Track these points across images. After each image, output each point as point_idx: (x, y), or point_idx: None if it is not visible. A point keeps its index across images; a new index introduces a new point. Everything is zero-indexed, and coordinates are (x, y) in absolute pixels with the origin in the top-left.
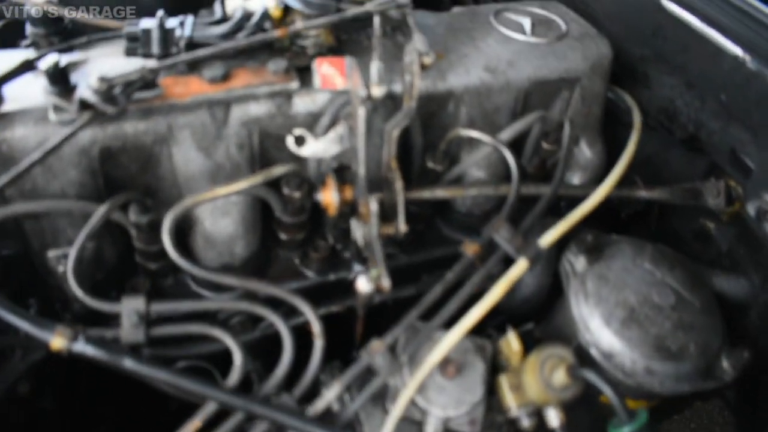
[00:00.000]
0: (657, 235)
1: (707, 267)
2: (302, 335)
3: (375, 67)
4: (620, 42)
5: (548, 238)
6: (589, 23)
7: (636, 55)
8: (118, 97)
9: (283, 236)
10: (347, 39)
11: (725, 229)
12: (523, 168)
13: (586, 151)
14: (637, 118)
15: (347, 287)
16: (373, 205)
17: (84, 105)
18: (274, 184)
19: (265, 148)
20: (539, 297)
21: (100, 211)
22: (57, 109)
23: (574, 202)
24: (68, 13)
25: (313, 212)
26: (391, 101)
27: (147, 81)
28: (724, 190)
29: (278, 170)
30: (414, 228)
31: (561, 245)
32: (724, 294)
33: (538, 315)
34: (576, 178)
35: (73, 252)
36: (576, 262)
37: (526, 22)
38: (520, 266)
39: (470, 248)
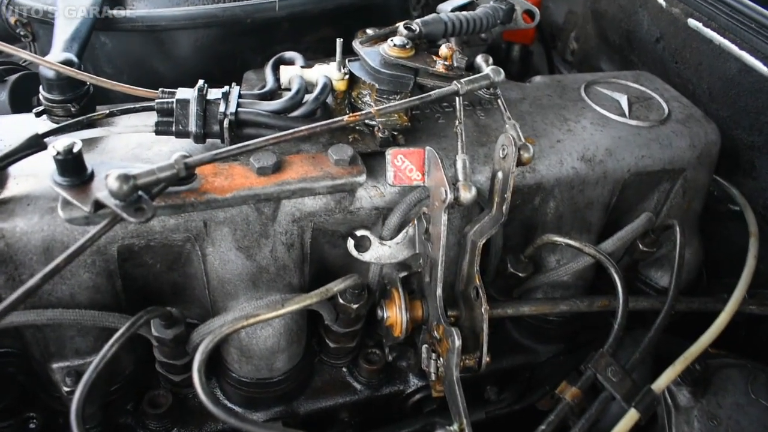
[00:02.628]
0: (747, 343)
1: None
2: None
3: (461, 163)
4: (725, 125)
5: (663, 380)
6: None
7: (743, 142)
8: (144, 201)
9: (331, 344)
10: (419, 115)
11: None
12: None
13: None
14: (753, 224)
15: (403, 401)
16: (456, 341)
17: (100, 206)
18: None
19: (317, 246)
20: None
21: (117, 334)
22: (67, 205)
23: None
24: (90, 78)
25: (369, 316)
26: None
27: (182, 177)
28: None
29: (337, 286)
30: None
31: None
32: None
33: None
34: (667, 280)
35: (79, 392)
36: (678, 394)
37: (623, 100)
38: (630, 419)
39: (569, 393)
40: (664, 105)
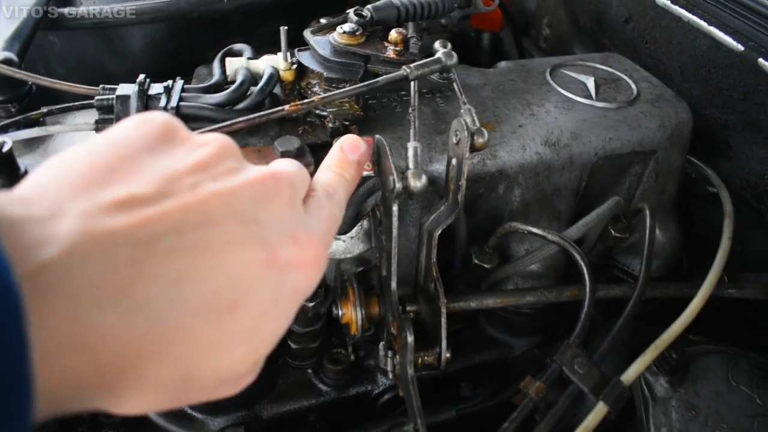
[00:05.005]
0: (734, 329)
1: None
2: None
3: (412, 150)
4: (698, 104)
5: (633, 370)
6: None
7: (717, 121)
8: None
9: (293, 345)
10: (375, 104)
11: None
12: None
13: (658, 235)
14: (728, 205)
15: (372, 402)
16: (409, 337)
17: None
18: None
19: None
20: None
21: None
22: None
23: None
24: (28, 76)
25: (329, 314)
26: (430, 185)
27: None
28: None
29: None
30: (452, 329)
31: None
32: None
33: None
34: None
35: None
36: (655, 384)
37: (590, 82)
38: (599, 412)
39: (534, 387)
40: (633, 86)
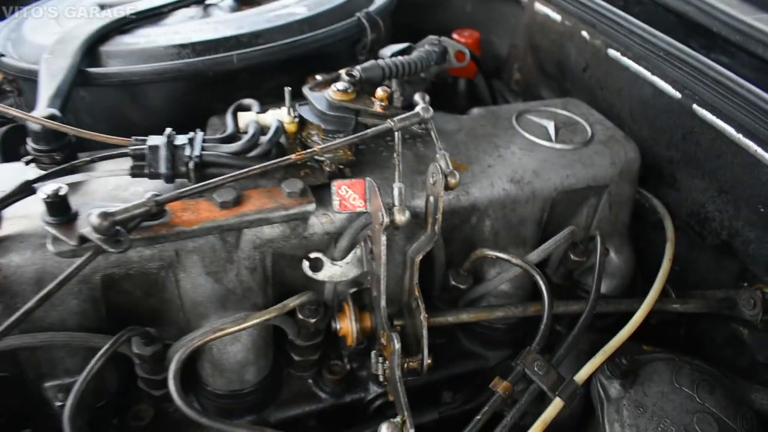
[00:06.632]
0: (686, 341)
1: (746, 382)
2: None
3: (397, 190)
4: (646, 143)
5: (584, 371)
6: (613, 123)
7: (663, 157)
8: (121, 235)
9: (296, 357)
10: (365, 149)
11: (761, 336)
12: (552, 284)
13: (613, 258)
14: (670, 230)
15: (364, 407)
16: (396, 344)
17: (84, 240)
18: None
19: (278, 269)
20: (570, 424)
21: (102, 350)
22: (56, 240)
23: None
24: (71, 130)
25: (328, 330)
26: (413, 218)
27: (153, 213)
28: (760, 300)
29: (293, 302)
30: (434, 342)
31: None
32: (765, 414)
33: None
34: (603, 286)
35: (70, 401)
36: (609, 386)
37: (550, 126)
38: (555, 407)
39: (501, 386)
40: (588, 128)
